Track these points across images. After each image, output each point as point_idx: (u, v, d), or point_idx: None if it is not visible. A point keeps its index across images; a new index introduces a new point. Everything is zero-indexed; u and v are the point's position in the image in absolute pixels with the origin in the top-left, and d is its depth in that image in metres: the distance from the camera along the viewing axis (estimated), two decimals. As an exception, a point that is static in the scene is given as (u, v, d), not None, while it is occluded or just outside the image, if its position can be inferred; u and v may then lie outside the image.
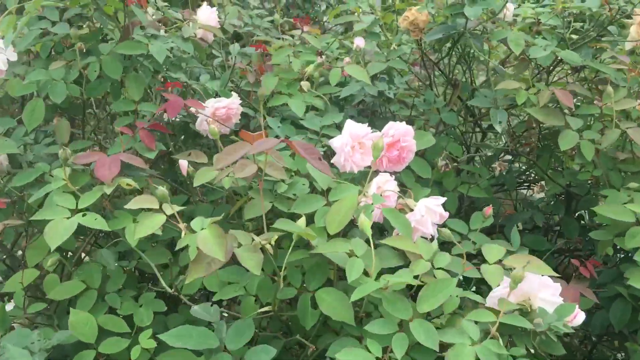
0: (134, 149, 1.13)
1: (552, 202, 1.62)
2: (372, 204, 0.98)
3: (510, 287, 0.88)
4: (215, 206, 1.34)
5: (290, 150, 1.16)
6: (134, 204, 0.89)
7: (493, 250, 0.95)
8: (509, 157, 1.78)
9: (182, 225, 0.84)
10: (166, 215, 0.87)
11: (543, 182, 1.53)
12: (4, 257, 1.23)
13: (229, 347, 0.92)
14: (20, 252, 1.42)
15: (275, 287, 0.97)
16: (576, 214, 1.60)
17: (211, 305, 0.95)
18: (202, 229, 0.85)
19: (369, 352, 0.84)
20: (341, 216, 0.96)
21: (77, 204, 1.00)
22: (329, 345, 0.92)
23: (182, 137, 1.53)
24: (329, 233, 0.96)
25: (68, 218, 0.97)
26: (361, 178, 1.30)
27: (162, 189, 0.85)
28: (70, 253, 1.23)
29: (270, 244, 0.85)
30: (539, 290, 0.90)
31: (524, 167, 1.84)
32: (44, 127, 1.27)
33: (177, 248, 0.85)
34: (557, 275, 0.91)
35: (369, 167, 1.17)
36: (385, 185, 1.13)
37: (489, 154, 1.65)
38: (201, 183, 1.07)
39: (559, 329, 0.86)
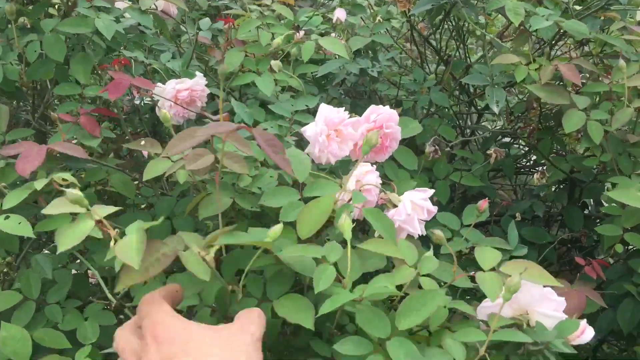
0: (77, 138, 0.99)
1: (554, 190, 1.48)
2: (352, 203, 0.84)
3: (504, 298, 0.73)
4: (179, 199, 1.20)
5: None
6: (52, 208, 0.74)
7: (487, 254, 0.80)
8: (506, 139, 1.64)
9: (112, 232, 0.70)
10: (94, 220, 0.72)
11: (544, 168, 1.38)
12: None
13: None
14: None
15: (234, 297, 0.84)
16: (580, 203, 1.46)
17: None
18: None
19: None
20: (314, 220, 0.81)
21: (1, 204, 0.85)
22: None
23: (152, 124, 1.39)
24: (300, 237, 0.82)
25: (-12, 222, 0.82)
26: (341, 167, 1.17)
27: (76, 192, 0.69)
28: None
29: (210, 256, 0.70)
30: (538, 304, 0.77)
31: (523, 151, 1.70)
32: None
33: (106, 259, 0.71)
34: (561, 285, 0.77)
35: (348, 156, 1.03)
36: (365, 177, 0.99)
37: (486, 136, 1.51)
38: (151, 177, 0.93)
39: (558, 348, 0.73)
